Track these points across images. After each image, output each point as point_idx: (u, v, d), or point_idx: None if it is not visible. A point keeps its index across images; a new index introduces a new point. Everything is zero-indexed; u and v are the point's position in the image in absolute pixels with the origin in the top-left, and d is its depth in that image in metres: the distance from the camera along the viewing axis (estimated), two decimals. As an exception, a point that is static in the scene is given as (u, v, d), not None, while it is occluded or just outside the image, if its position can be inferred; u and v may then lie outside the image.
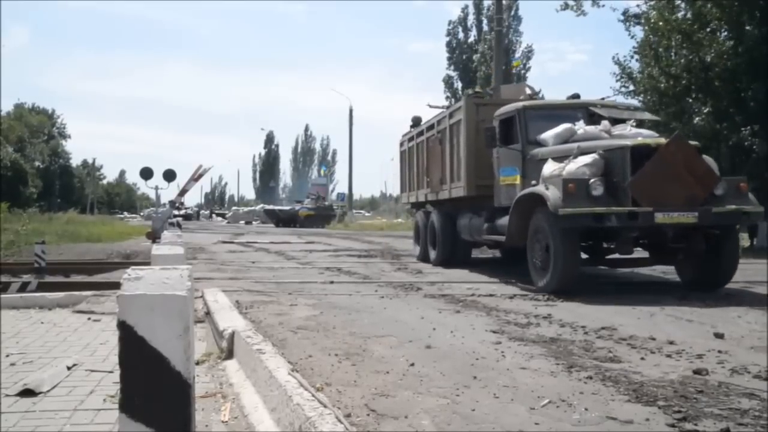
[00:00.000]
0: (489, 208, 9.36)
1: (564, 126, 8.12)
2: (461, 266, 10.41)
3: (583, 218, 6.81)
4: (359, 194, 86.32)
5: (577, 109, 8.74)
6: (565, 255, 6.96)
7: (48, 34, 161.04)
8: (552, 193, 7.01)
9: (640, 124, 8.41)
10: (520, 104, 8.83)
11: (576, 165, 7.21)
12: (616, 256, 7.78)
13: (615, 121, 8.19)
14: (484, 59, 39.09)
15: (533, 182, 7.84)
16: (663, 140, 7.21)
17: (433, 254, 11.37)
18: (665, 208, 6.73)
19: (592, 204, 6.84)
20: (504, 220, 8.44)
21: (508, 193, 8.70)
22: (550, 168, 7.53)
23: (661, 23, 15.72)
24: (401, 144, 14.34)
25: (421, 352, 4.11)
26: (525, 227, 7.72)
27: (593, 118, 8.41)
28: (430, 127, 11.97)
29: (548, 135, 8.12)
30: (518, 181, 8.43)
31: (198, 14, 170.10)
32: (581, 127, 8.10)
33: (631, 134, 7.64)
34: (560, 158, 7.57)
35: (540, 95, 11.85)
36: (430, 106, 13.52)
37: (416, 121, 13.33)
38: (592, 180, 6.94)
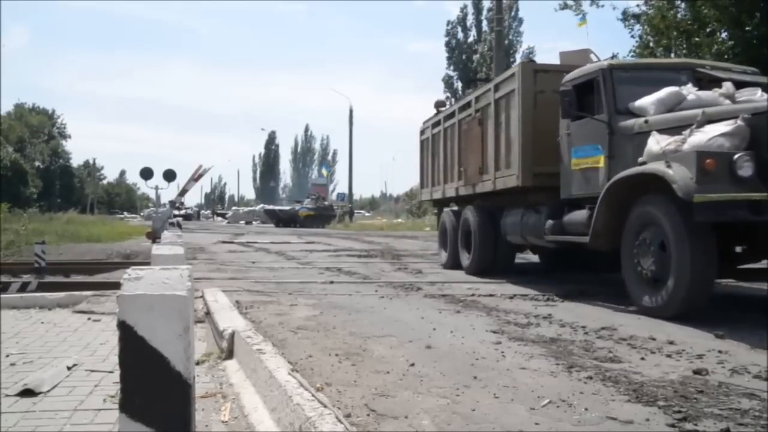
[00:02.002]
0: (552, 201, 7.61)
1: (669, 90, 6.24)
2: (503, 275, 8.79)
3: (731, 208, 4.84)
4: (359, 194, 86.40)
5: (680, 71, 6.81)
6: (696, 262, 5.13)
7: (48, 34, 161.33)
8: (679, 173, 5.10)
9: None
10: (604, 63, 6.98)
11: (707, 135, 5.33)
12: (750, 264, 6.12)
13: (736, 85, 6.26)
14: (484, 60, 39.14)
15: (626, 163, 6.12)
16: None
17: (466, 260, 9.68)
18: None
19: (738, 187, 4.89)
20: (579, 216, 6.84)
21: (585, 179, 6.92)
22: (659, 142, 5.65)
23: (656, 21, 15.72)
24: (422, 132, 12.63)
25: (421, 352, 4.11)
26: (619, 223, 6.00)
27: (700, 84, 6.57)
28: (465, 107, 10.24)
29: (647, 102, 6.27)
30: (602, 163, 6.59)
31: (198, 14, 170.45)
32: (691, 91, 6.23)
33: (763, 100, 5.68)
34: (671, 130, 5.71)
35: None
36: (472, 80, 12.50)
37: (440, 105, 11.99)
38: (737, 155, 4.99)
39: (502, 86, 8.70)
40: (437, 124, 11.58)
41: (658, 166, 5.41)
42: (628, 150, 6.26)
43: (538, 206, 7.98)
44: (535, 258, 10.97)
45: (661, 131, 5.77)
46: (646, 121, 6.14)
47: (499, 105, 8.74)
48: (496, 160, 8.79)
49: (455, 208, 10.94)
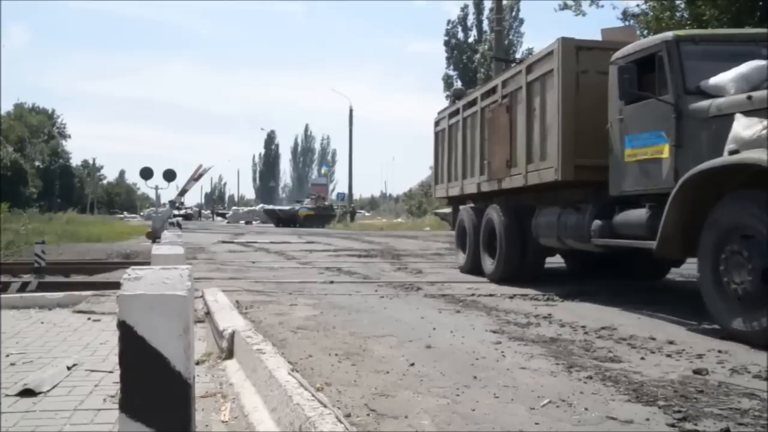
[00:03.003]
0: (598, 198, 6.70)
1: (753, 64, 5.24)
2: (531, 283, 7.71)
3: None
4: (359, 194, 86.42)
5: (759, 42, 5.80)
6: None
7: (48, 34, 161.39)
8: None
9: None
10: (668, 35, 5.91)
11: None
12: None
13: None
14: (484, 59, 39.15)
15: (698, 153, 5.21)
16: None
17: (489, 265, 8.69)
18: None
19: None
20: (636, 216, 5.90)
21: (643, 172, 5.95)
22: (750, 126, 4.64)
23: (652, 23, 15.72)
24: (436, 123, 11.70)
25: (421, 352, 4.11)
26: (695, 226, 5.03)
27: None
28: (489, 92, 9.27)
29: (726, 79, 5.30)
30: (667, 153, 5.61)
31: (198, 14, 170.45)
32: None
33: None
34: (761, 111, 4.71)
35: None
36: (496, 58, 10.51)
37: (459, 94, 11.20)
38: None
39: (536, 67, 7.65)
40: (455, 113, 10.57)
41: (760, 155, 4.36)
42: (701, 137, 5.30)
43: (579, 204, 7.00)
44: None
45: (747, 113, 4.77)
46: (749, 98, 4.88)
47: (532, 89, 7.70)
48: (528, 151, 7.76)
49: (472, 205, 10.03)
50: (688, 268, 7.32)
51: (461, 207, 10.40)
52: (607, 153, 6.47)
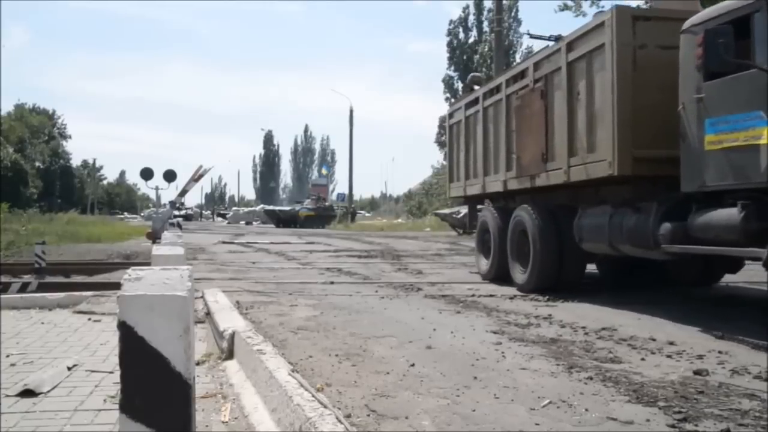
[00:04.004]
0: (665, 196, 5.73)
1: None
2: (572, 295, 6.74)
3: None
4: (359, 194, 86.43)
5: None
6: None
7: (48, 34, 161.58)
8: None
9: None
10: None
11: None
12: None
13: None
14: (484, 60, 39.18)
15: None
16: None
17: (520, 274, 7.62)
18: None
19: None
20: (725, 217, 4.93)
21: (732, 163, 4.96)
22: None
23: None
24: (450, 115, 10.69)
25: (421, 353, 4.11)
26: None
27: None
28: (518, 77, 8.22)
29: None
30: (766, 138, 4.63)
31: (198, 14, 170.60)
32: None
33: None
34: None
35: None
36: (530, 36, 9.46)
37: (477, 81, 10.30)
38: None
39: (580, 44, 6.64)
40: (473, 103, 9.55)
41: None
42: None
43: (638, 203, 6.00)
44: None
45: None
46: None
47: (574, 69, 6.72)
48: (570, 142, 6.76)
49: (496, 205, 9.18)
50: (749, 272, 6.90)
51: (485, 207, 9.53)
52: (678, 141, 5.41)
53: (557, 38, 7.34)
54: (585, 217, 6.81)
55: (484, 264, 8.89)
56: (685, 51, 5.40)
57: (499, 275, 8.25)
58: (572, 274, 7.26)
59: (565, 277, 7.19)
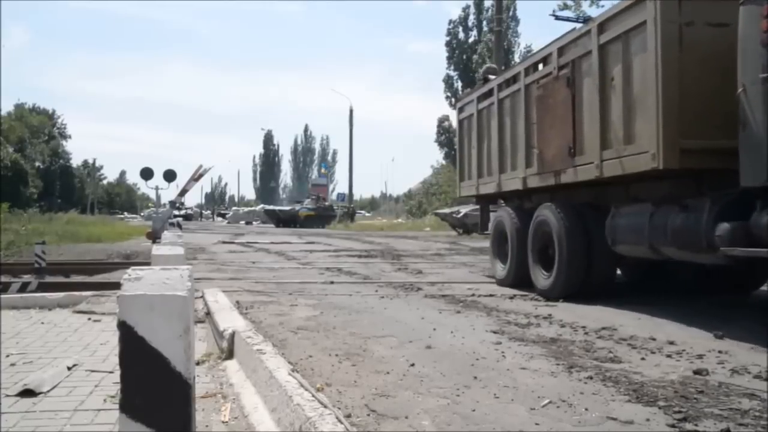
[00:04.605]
0: (719, 193, 5.12)
1: None
2: (600, 300, 6.29)
3: None
4: (359, 194, 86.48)
5: None
6: None
7: (48, 34, 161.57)
8: None
9: None
10: None
11: None
12: None
13: None
14: (483, 60, 39.18)
15: None
16: None
17: (544, 279, 7.05)
18: None
19: None
20: None
21: None
22: None
23: None
24: (461, 109, 10.08)
25: (421, 353, 4.11)
26: None
27: None
28: (539, 64, 7.59)
29: None
30: None
31: (198, 14, 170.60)
32: None
33: None
34: None
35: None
36: (556, 17, 8.34)
37: (492, 71, 9.60)
38: None
39: (613, 24, 6.03)
40: (487, 95, 8.98)
41: None
42: None
43: (683, 200, 5.42)
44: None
45: None
46: None
47: (607, 52, 6.11)
48: (603, 134, 6.12)
49: (512, 204, 8.64)
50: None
51: (501, 208, 8.91)
52: (735, 129, 4.76)
53: (586, 19, 6.73)
54: (620, 217, 6.16)
55: (501, 269, 8.27)
56: (746, 25, 4.68)
57: (518, 281, 7.67)
58: (602, 279, 6.69)
59: (594, 281, 6.63)
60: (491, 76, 9.27)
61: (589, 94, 6.37)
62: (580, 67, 6.56)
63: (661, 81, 5.32)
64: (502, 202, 9.28)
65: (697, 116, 5.24)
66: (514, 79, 8.18)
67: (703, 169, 5.38)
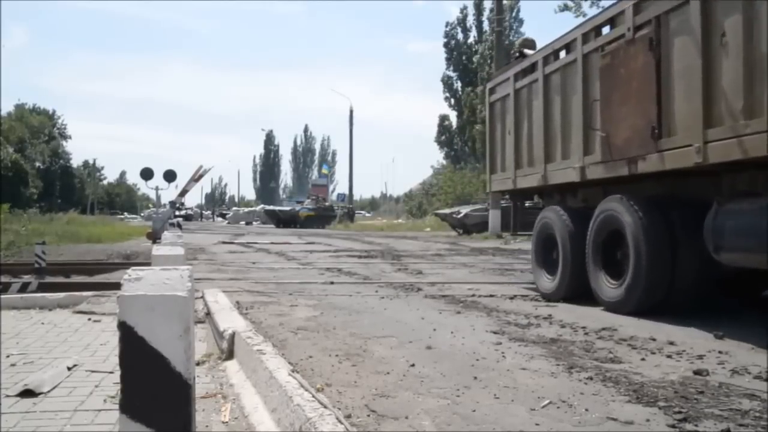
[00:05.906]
0: None
1: None
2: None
3: None
4: (359, 195, 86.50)
5: None
6: None
7: (48, 34, 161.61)
8: None
9: None
10: None
11: None
12: None
13: None
14: (484, 60, 39.17)
15: None
16: None
17: (611, 290, 5.89)
18: None
19: None
20: None
21: None
22: None
23: None
24: (492, 90, 8.71)
25: (421, 353, 4.11)
26: None
27: None
28: (602, 27, 6.26)
29: None
30: None
31: (198, 14, 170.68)
32: None
33: None
34: None
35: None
36: None
37: (529, 45, 8.16)
38: None
39: None
40: (527, 71, 7.64)
41: None
42: None
43: None
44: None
45: None
46: None
47: (712, 2, 4.74)
48: (707, 108, 4.77)
49: (562, 204, 7.32)
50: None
51: (547, 208, 7.40)
52: None
53: None
54: (728, 216, 4.75)
55: (548, 281, 7.00)
56: None
57: (573, 292, 6.48)
58: (689, 291, 5.47)
59: (680, 293, 5.46)
60: (528, 51, 7.96)
61: (684, 58, 5.07)
62: (668, 24, 5.25)
63: None
64: (540, 200, 8.16)
65: None
66: (568, 47, 6.84)
67: None
